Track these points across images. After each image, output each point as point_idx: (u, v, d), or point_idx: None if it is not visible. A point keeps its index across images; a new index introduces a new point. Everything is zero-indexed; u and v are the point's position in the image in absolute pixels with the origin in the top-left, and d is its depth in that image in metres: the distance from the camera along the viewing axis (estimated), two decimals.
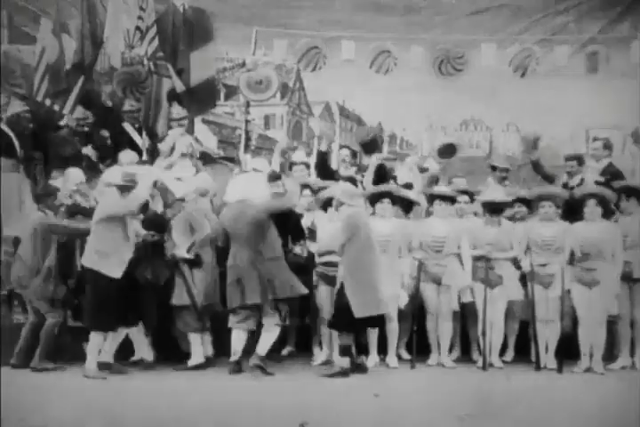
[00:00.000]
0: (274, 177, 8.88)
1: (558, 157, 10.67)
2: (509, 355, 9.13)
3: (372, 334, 8.80)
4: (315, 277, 8.95)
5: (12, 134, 10.27)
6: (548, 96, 12.52)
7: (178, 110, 11.14)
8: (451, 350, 9.16)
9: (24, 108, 10.65)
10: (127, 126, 10.86)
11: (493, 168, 10.41)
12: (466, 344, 9.30)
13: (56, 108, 10.76)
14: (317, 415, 6.96)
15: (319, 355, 9.07)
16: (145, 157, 10.84)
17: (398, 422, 7.00)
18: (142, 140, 10.88)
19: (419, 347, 8.86)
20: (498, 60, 11.58)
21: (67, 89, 10.75)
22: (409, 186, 9.81)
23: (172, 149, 10.06)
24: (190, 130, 11.52)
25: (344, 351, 8.37)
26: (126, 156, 9.94)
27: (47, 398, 7.51)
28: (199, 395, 7.72)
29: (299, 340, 9.33)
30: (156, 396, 7.68)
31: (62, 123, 10.93)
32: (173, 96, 11.30)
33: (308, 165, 10.08)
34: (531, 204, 9.37)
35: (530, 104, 12.85)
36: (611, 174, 9.88)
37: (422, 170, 10.35)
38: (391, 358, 8.94)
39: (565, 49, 11.62)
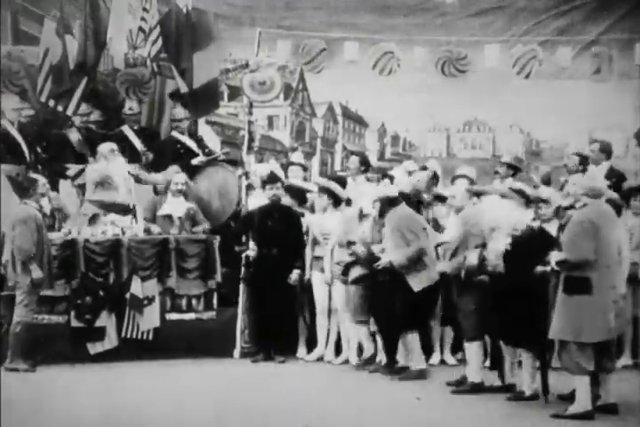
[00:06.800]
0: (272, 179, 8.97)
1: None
2: None
3: None
4: None
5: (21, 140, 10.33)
6: (552, 97, 12.51)
7: (179, 111, 11.16)
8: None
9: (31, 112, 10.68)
10: (126, 130, 10.87)
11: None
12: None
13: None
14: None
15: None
16: (143, 160, 10.89)
17: None
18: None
19: None
20: (501, 61, 11.52)
21: (70, 89, 10.79)
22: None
23: (168, 184, 10.27)
24: (194, 131, 11.55)
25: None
26: (106, 146, 9.98)
27: (47, 398, 7.52)
28: (201, 396, 7.72)
29: None
30: (156, 394, 7.70)
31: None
32: (177, 96, 11.33)
33: (305, 167, 10.08)
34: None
35: (533, 105, 12.85)
36: (616, 177, 9.93)
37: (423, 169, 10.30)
38: None
39: (569, 50, 11.57)
